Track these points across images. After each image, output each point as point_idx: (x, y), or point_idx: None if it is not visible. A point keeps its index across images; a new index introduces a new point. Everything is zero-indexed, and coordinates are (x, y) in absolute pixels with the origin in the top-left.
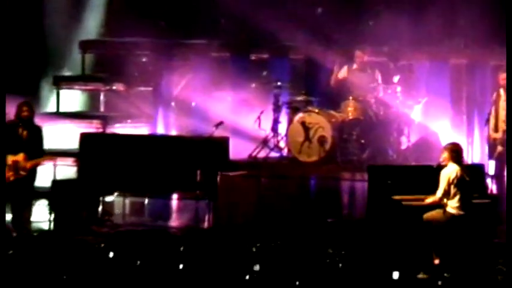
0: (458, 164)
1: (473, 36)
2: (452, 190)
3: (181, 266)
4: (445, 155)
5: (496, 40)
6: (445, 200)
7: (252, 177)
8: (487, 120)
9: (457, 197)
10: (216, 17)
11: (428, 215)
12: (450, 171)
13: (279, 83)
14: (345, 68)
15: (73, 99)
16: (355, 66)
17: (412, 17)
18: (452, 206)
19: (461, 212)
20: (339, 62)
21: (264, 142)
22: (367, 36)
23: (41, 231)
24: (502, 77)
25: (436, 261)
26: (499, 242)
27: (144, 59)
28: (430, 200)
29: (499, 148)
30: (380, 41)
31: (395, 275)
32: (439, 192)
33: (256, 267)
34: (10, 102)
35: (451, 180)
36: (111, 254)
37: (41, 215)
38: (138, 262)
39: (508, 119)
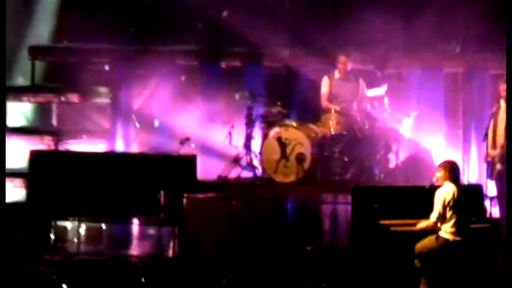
0: (455, 183)
1: (470, 40)
2: (448, 213)
3: None
4: (440, 174)
5: (496, 45)
6: (439, 224)
7: (222, 199)
8: (486, 136)
9: (453, 221)
10: (185, 22)
11: (420, 245)
12: (446, 192)
13: (252, 94)
14: (325, 79)
15: (21, 112)
16: (337, 75)
17: (402, 19)
18: (447, 230)
19: (458, 238)
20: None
21: (236, 160)
22: (351, 41)
23: None
24: (503, 87)
25: None
26: (500, 272)
27: (101, 68)
28: (423, 224)
29: (498, 166)
30: (366, 47)
31: None
32: (434, 215)
33: None
34: None
35: (446, 202)
36: (64, 287)
37: None
38: None
39: (508, 121)
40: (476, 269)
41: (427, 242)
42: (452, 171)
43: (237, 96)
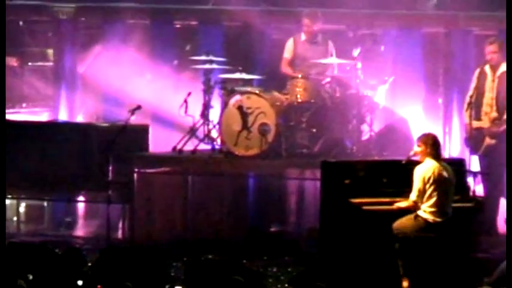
0: (435, 159)
1: None
2: (428, 191)
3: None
4: (420, 149)
5: (481, 3)
6: (419, 204)
7: (176, 174)
8: (469, 104)
9: (433, 200)
10: None
11: (397, 223)
12: (426, 169)
13: (210, 57)
14: (291, 41)
15: None
16: (303, 37)
17: None
18: (426, 210)
19: (438, 219)
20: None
21: (192, 131)
22: None
23: None
24: (489, 49)
25: (405, 284)
26: (482, 257)
27: (43, 27)
28: (402, 204)
29: (488, 140)
30: (336, 3)
31: None
32: (413, 195)
33: None
34: None
35: (426, 180)
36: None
37: None
38: (31, 277)
39: (508, 117)
40: (456, 253)
41: (405, 221)
42: (433, 146)
43: (192, 59)
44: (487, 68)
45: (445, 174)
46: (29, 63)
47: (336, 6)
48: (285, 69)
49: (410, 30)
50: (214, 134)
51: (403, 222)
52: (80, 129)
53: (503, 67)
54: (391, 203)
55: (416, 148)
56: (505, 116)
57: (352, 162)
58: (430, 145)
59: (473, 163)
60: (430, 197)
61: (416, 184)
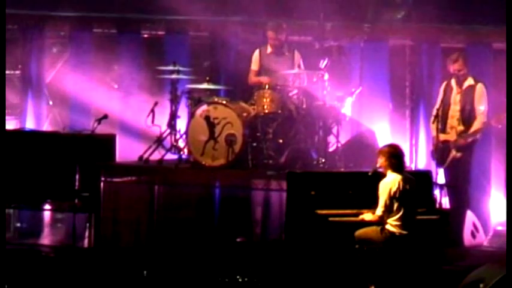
0: (398, 171)
1: (419, 9)
2: (394, 205)
3: None
4: (381, 160)
5: (446, 15)
6: (385, 218)
7: (143, 184)
8: (435, 117)
9: (400, 214)
10: None
11: (361, 232)
12: (390, 182)
13: (177, 67)
14: (256, 53)
15: None
16: (269, 49)
17: None
18: (392, 224)
19: (404, 232)
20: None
21: (159, 141)
22: (285, 7)
23: None
24: (454, 67)
25: None
26: (450, 268)
27: (10, 35)
28: (367, 217)
29: (454, 153)
30: (302, 15)
31: None
32: (379, 210)
33: None
34: None
35: (392, 193)
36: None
37: None
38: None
39: (508, 118)
40: (422, 265)
41: (371, 231)
42: (393, 157)
43: (159, 69)
44: (452, 81)
45: (408, 186)
46: None
47: (302, 18)
48: (252, 79)
49: (377, 42)
50: (181, 144)
51: (368, 233)
52: (46, 138)
53: (469, 81)
54: (357, 215)
55: (378, 160)
56: (472, 129)
57: (318, 173)
58: (390, 157)
59: (440, 175)
60: (395, 210)
61: (382, 199)
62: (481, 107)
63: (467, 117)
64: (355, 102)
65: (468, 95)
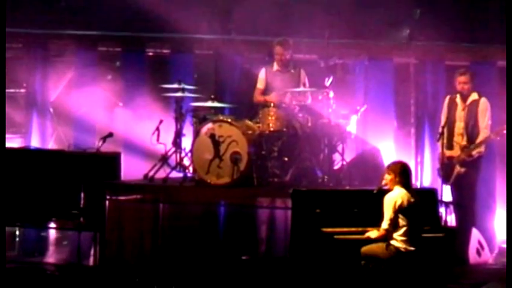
0: (405, 188)
1: (423, 27)
2: (399, 219)
3: None
4: (389, 177)
5: (450, 33)
6: (390, 233)
7: (148, 202)
8: (441, 134)
9: (404, 229)
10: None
11: (367, 248)
12: (395, 197)
13: (182, 86)
14: (262, 71)
15: None
16: (275, 66)
17: (347, 2)
18: (397, 239)
19: (411, 248)
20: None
21: (164, 159)
22: (290, 26)
23: None
24: (460, 80)
25: None
26: (455, 287)
27: (15, 54)
28: (373, 234)
29: (458, 169)
30: (307, 33)
31: None
32: (385, 223)
33: None
34: None
35: (397, 208)
36: None
37: None
38: None
39: (508, 120)
40: (428, 282)
41: (376, 248)
42: (402, 174)
43: (164, 87)
44: (457, 97)
45: (413, 201)
46: None
47: (307, 36)
48: (257, 98)
49: (382, 61)
50: (186, 162)
51: (373, 249)
52: (51, 157)
53: (473, 96)
54: (362, 233)
55: (386, 176)
56: (476, 142)
57: (323, 191)
58: (399, 173)
59: (446, 193)
60: (401, 225)
61: (388, 212)
62: (484, 121)
63: (471, 132)
64: (360, 120)
65: (472, 110)
